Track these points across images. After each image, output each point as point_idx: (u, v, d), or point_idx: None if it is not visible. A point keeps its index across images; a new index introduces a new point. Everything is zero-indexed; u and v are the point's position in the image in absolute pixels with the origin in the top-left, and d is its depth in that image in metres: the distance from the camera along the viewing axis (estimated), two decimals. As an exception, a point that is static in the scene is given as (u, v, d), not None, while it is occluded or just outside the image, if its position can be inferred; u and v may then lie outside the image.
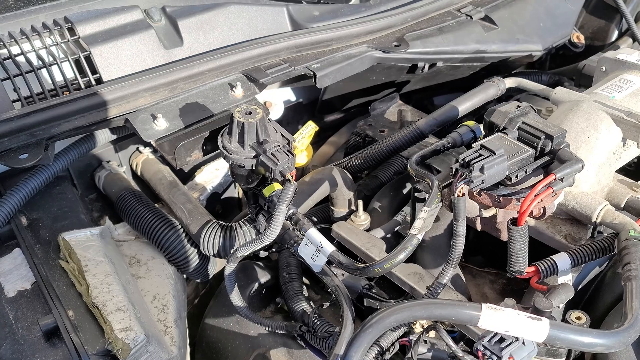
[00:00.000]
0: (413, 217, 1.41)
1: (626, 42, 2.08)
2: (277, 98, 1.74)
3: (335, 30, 1.57)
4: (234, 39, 1.50)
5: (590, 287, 1.39)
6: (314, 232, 1.20)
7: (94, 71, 1.36)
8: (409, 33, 1.65)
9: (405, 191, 1.62)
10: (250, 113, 1.20)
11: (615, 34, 2.11)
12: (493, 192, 1.18)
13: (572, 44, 2.00)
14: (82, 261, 1.28)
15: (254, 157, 1.20)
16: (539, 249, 1.29)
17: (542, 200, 1.14)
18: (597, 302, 1.37)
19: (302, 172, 1.62)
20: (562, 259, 1.24)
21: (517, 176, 1.15)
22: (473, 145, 1.16)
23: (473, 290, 1.51)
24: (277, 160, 1.16)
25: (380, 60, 1.60)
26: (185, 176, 1.68)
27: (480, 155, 1.12)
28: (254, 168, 1.21)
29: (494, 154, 1.11)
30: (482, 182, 1.11)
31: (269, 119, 1.28)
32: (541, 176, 1.19)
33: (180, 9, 1.46)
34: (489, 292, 1.50)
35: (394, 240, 1.50)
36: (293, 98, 1.90)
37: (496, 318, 0.97)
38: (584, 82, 1.71)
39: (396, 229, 1.50)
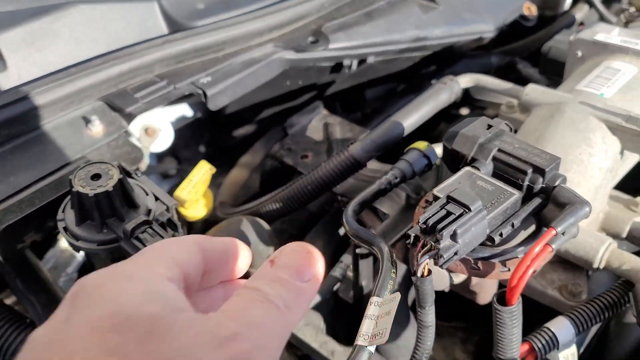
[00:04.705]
0: (356, 278, 1.04)
1: (582, 9, 1.77)
2: (163, 119, 1.31)
3: (229, 29, 1.16)
4: (84, 54, 1.06)
5: (591, 344, 1.08)
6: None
7: None
8: (327, 23, 1.25)
9: (342, 231, 1.25)
10: (99, 177, 0.79)
11: (569, 0, 1.79)
12: (469, 255, 0.82)
13: (523, 17, 1.66)
14: None
15: (112, 241, 0.80)
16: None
17: (537, 264, 0.80)
18: (603, 364, 1.06)
19: (204, 223, 1.22)
20: (562, 328, 0.91)
21: (501, 234, 0.79)
22: (436, 192, 0.80)
23: (441, 356, 1.17)
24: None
25: (294, 64, 1.20)
26: (46, 240, 1.24)
27: (448, 213, 0.76)
28: (115, 256, 0.81)
29: (469, 210, 0.75)
30: (455, 254, 0.75)
31: (136, 174, 0.88)
32: (533, 227, 0.84)
33: (-2, 17, 1.01)
34: (461, 356, 1.17)
35: (333, 302, 1.13)
36: (188, 113, 1.47)
37: None
38: (551, 69, 1.38)
39: (335, 288, 1.13)
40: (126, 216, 0.80)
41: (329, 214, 1.28)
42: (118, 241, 0.79)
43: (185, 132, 1.48)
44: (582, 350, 1.03)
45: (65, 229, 0.81)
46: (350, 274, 1.13)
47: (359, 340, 0.75)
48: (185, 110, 1.45)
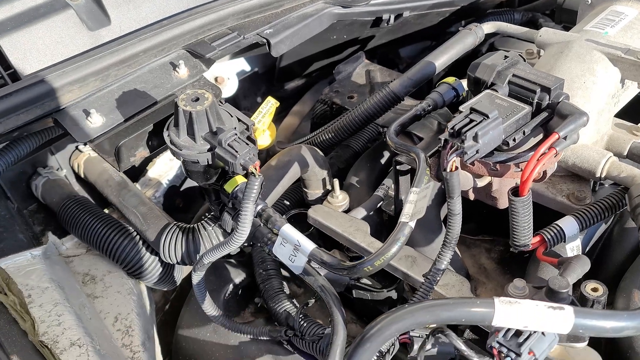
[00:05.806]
0: (397, 193, 1.25)
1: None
2: (230, 71, 1.54)
3: (287, -12, 1.37)
4: (170, 10, 1.29)
5: (598, 246, 1.27)
6: (289, 229, 1.04)
7: (7, 66, 1.15)
8: (369, -18, 1.46)
9: (383, 160, 1.46)
10: (197, 99, 1.01)
11: (588, -41, 1.94)
12: (488, 159, 1.02)
13: (544, -25, 1.83)
14: (24, 291, 1.10)
15: (208, 150, 1.02)
16: (539, 211, 1.15)
17: (544, 164, 1.00)
18: (606, 262, 1.25)
19: (267, 153, 1.45)
20: (568, 224, 1.10)
21: (514, 139, 0.99)
22: (461, 108, 1.00)
23: (469, 262, 1.37)
24: (236, 152, 0.98)
25: (341, 17, 1.41)
26: (137, 171, 1.49)
27: (471, 120, 0.96)
28: (210, 163, 1.04)
29: (487, 117, 0.95)
30: (477, 152, 0.95)
31: (221, 102, 1.10)
32: (541, 136, 1.04)
33: (103, -20, 1.24)
34: (486, 262, 1.37)
35: (377, 218, 1.35)
36: (247, 68, 1.70)
37: (512, 313, 0.83)
38: (565, 17, 1.55)
39: (379, 205, 1.34)
40: (218, 131, 1.02)
41: (372, 148, 1.49)
42: (212, 150, 1.02)
43: (245, 84, 1.71)
44: (587, 248, 1.22)
45: (170, 142, 1.04)
46: (391, 193, 1.34)
47: (402, 218, 0.98)
48: (246, 65, 1.68)
